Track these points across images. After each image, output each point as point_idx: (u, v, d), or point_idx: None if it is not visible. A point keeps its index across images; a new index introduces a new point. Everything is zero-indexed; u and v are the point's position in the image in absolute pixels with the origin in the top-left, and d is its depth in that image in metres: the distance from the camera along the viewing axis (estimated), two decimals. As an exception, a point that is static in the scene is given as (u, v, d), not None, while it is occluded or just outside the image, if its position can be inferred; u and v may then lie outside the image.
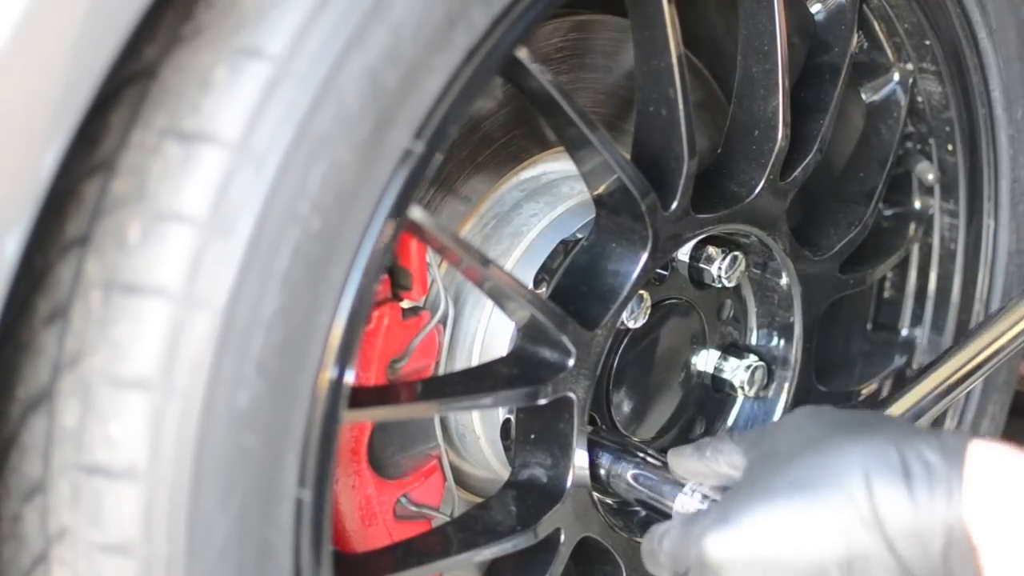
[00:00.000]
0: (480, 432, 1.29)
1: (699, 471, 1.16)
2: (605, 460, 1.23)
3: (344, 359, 0.98)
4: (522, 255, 1.28)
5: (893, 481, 0.99)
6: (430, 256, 1.19)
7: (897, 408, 1.34)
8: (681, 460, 1.17)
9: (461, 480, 1.34)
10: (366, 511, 1.21)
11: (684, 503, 1.17)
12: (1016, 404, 1.53)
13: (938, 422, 1.48)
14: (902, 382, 1.50)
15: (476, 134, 1.28)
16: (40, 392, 0.93)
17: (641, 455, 1.23)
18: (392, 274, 1.17)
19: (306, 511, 0.98)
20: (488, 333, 1.27)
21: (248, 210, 0.90)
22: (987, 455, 0.99)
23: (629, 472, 1.22)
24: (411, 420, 1.26)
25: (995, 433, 1.50)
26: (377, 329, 1.17)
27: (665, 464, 1.20)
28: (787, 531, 1.02)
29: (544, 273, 1.26)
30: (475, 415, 1.28)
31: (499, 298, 1.14)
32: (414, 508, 1.26)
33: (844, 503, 1.00)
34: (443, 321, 1.24)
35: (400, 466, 1.25)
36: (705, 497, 1.16)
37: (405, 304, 1.19)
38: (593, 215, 1.23)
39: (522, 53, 1.06)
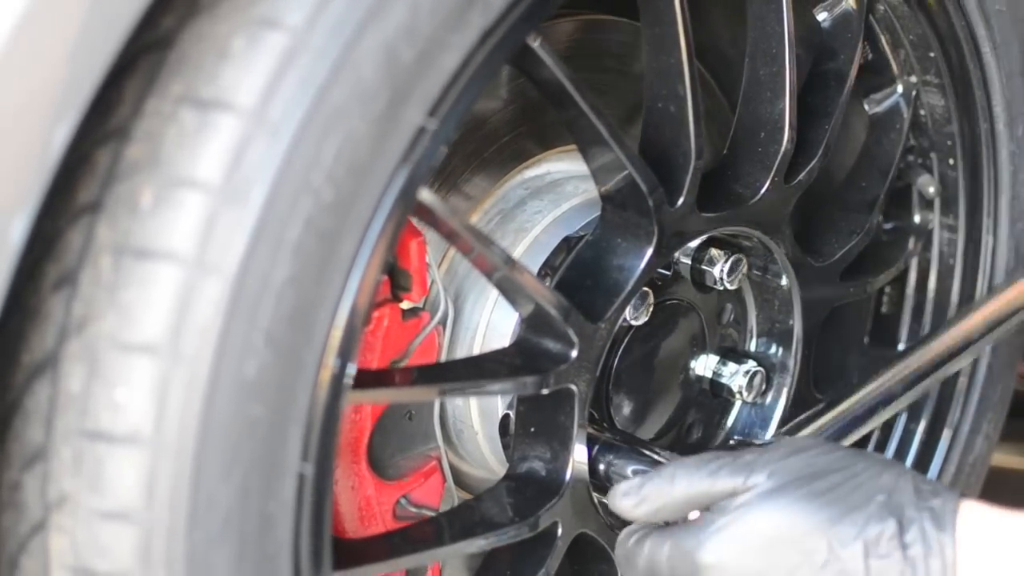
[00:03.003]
0: (478, 427, 1.28)
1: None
2: (604, 455, 1.23)
3: (350, 335, 0.97)
4: (526, 251, 1.28)
5: (890, 549, 1.02)
6: (430, 257, 1.19)
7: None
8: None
9: (460, 480, 1.34)
10: (366, 512, 1.21)
11: None
12: (1016, 404, 1.53)
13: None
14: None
15: (481, 131, 1.28)
16: (45, 357, 0.92)
17: (641, 451, 1.23)
18: (392, 275, 1.17)
19: (308, 486, 0.97)
20: (488, 333, 1.27)
21: (262, 179, 0.90)
22: (977, 519, 1.04)
23: (629, 468, 1.22)
24: (411, 421, 1.26)
25: (994, 434, 1.50)
26: (377, 330, 1.16)
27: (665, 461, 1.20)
28: (784, 546, 1.04)
29: (548, 268, 1.26)
30: (474, 410, 1.28)
31: (506, 288, 1.14)
32: (414, 509, 1.25)
33: (837, 564, 1.03)
34: (443, 322, 1.24)
35: (400, 467, 1.24)
36: None
37: (405, 305, 1.18)
38: (597, 213, 1.23)
39: (535, 42, 1.06)
